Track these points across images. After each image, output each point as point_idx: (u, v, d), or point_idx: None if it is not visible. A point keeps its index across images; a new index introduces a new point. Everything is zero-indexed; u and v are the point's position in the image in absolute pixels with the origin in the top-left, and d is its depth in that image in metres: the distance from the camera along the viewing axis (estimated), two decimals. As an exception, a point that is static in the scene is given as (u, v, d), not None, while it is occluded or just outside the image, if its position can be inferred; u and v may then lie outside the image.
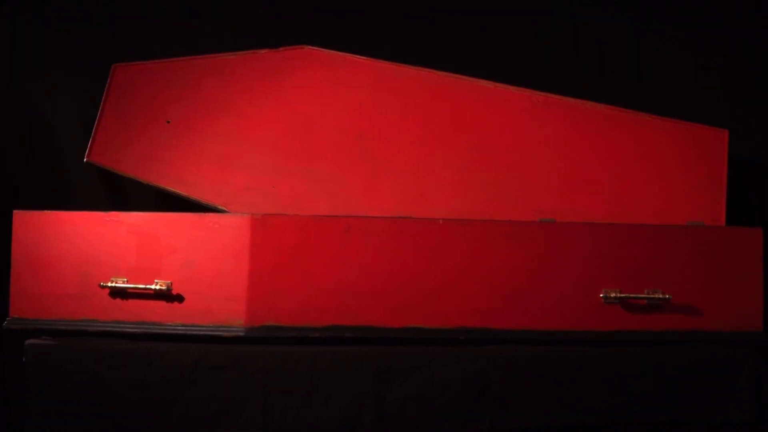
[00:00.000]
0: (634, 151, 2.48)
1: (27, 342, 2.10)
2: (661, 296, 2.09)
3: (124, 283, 2.11)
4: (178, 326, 2.10)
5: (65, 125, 2.84)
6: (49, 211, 2.17)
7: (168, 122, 2.58)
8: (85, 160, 2.57)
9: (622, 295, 2.10)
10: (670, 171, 2.45)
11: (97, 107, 2.61)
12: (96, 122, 2.59)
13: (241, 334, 2.06)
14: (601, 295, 2.10)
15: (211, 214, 2.16)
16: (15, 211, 2.17)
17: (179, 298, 2.11)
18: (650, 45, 2.79)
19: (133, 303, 2.12)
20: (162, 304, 2.11)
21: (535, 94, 2.54)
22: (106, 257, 2.14)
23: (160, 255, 2.12)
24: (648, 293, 2.10)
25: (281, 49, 2.63)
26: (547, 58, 2.82)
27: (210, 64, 2.64)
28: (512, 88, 2.56)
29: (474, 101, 2.55)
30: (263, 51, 2.64)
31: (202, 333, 2.08)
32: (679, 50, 2.78)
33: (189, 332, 2.09)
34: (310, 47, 2.63)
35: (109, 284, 2.11)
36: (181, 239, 2.12)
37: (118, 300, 2.13)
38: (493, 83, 2.56)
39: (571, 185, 2.46)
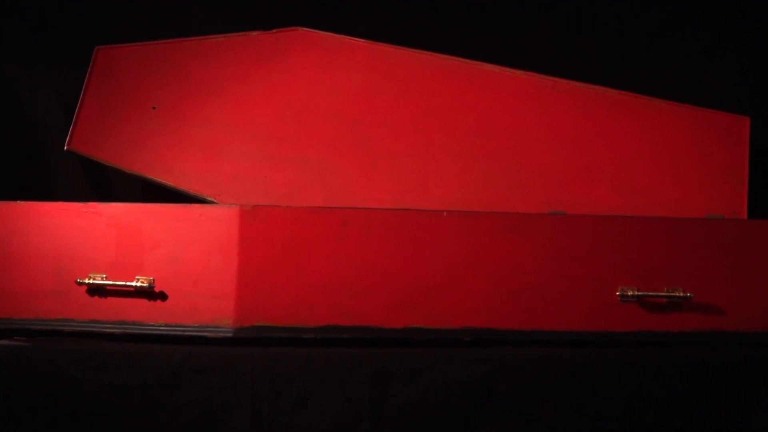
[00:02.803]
0: (649, 139, 2.43)
1: (-2, 343, 2.01)
2: (681, 294, 2.01)
3: (102, 279, 2.03)
4: (160, 326, 2.02)
5: (44, 111, 2.82)
6: (21, 202, 2.08)
7: (154, 108, 2.54)
8: (65, 148, 2.51)
9: (640, 293, 2.02)
10: (686, 161, 2.40)
11: (78, 92, 2.55)
12: (77, 108, 2.53)
13: (229, 334, 1.99)
14: (618, 293, 2.02)
15: (197, 205, 2.09)
16: (-17, 203, 2.09)
17: (162, 296, 2.03)
18: (665, 26, 2.73)
19: (112, 301, 2.04)
20: (144, 302, 2.03)
21: (541, 79, 2.49)
22: (83, 252, 2.05)
23: (142, 249, 2.04)
24: (668, 291, 2.02)
25: (274, 31, 2.58)
26: (554, 40, 2.76)
27: (198, 47, 2.59)
28: (518, 72, 2.50)
29: (477, 86, 2.50)
30: (255, 33, 2.58)
31: (186, 334, 2.00)
32: (697, 32, 2.72)
33: (173, 333, 2.01)
34: (304, 29, 2.57)
35: (87, 281, 2.02)
36: (165, 232, 2.04)
37: (96, 298, 2.04)
38: (497, 67, 2.51)
39: (581, 176, 2.42)
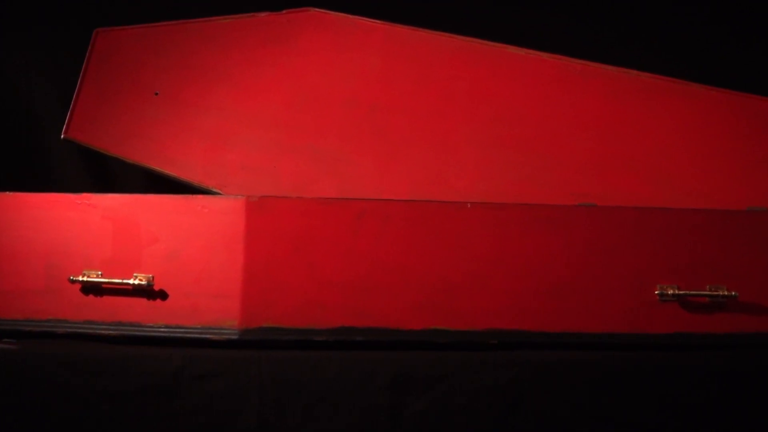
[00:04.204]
0: (686, 126, 2.35)
1: (-16, 346, 1.95)
2: (725, 293, 1.93)
3: (97, 277, 1.96)
4: (160, 327, 1.96)
5: (40, 98, 2.83)
6: (9, 193, 2.03)
7: (156, 94, 2.51)
8: (62, 137, 2.48)
9: (681, 292, 1.94)
10: (727, 149, 2.32)
11: (76, 77, 2.52)
12: (75, 94, 2.50)
13: (234, 337, 1.92)
14: (657, 292, 1.94)
15: (200, 196, 2.03)
16: (-31, 195, 2.06)
17: (162, 295, 1.96)
18: (703, 5, 2.70)
19: (108, 300, 1.98)
20: (142, 301, 1.97)
21: (570, 62, 2.42)
22: (76, 247, 1.99)
23: (140, 244, 1.98)
24: (710, 290, 1.94)
25: (283, 12, 2.54)
26: (583, 20, 2.76)
27: (203, 29, 2.55)
28: (545, 55, 2.43)
29: (501, 70, 2.44)
30: (263, 14, 2.55)
31: (188, 336, 1.94)
32: (737, 12, 2.69)
33: (173, 335, 1.95)
34: (316, 9, 2.53)
35: (81, 278, 1.96)
36: (164, 226, 1.97)
37: (90, 297, 1.98)
38: (522, 49, 2.44)
39: (612, 166, 2.35)
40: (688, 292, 1.94)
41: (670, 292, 1.94)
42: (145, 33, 2.55)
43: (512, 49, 2.43)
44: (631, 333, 1.95)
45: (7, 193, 2.02)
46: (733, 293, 1.93)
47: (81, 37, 2.56)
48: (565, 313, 1.95)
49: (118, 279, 1.96)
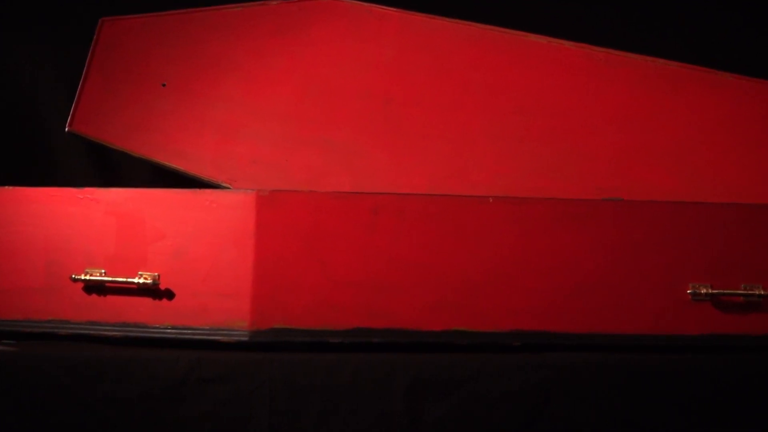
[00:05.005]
0: (715, 117, 2.32)
1: (-19, 348, 1.94)
2: (761, 293, 1.90)
3: (100, 275, 1.93)
4: (166, 328, 1.93)
5: (43, 89, 2.80)
6: (7, 188, 2.01)
7: (163, 86, 2.47)
8: (66, 129, 2.43)
9: (714, 291, 1.90)
10: (759, 140, 2.29)
11: (80, 68, 2.48)
12: (79, 86, 2.46)
13: (244, 338, 1.89)
14: (689, 291, 1.91)
15: (208, 191, 2.00)
16: (-34, 189, 2.05)
17: (168, 294, 1.94)
18: None
19: (111, 300, 1.95)
20: (147, 301, 1.94)
21: (594, 51, 2.38)
22: (78, 244, 1.97)
23: (145, 241, 1.95)
24: (745, 289, 1.91)
25: None
26: (607, 7, 2.71)
27: (212, 18, 2.52)
28: (567, 43, 2.40)
29: (521, 59, 2.41)
30: (274, 2, 2.51)
31: (195, 337, 1.91)
32: None
33: (180, 336, 1.92)
34: None
35: (83, 277, 1.93)
36: (171, 222, 1.95)
37: (93, 296, 1.96)
38: (544, 37, 2.41)
39: (638, 158, 2.32)
40: (721, 291, 1.91)
41: (703, 291, 1.91)
42: (151, 22, 2.52)
43: (533, 37, 2.41)
44: (661, 334, 1.93)
45: (6, 187, 2.01)
46: (770, 292, 1.92)
47: (86, 27, 2.53)
48: (592, 313, 1.92)
49: (122, 278, 1.93)
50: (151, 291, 1.93)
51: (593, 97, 2.36)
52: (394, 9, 2.46)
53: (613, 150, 2.32)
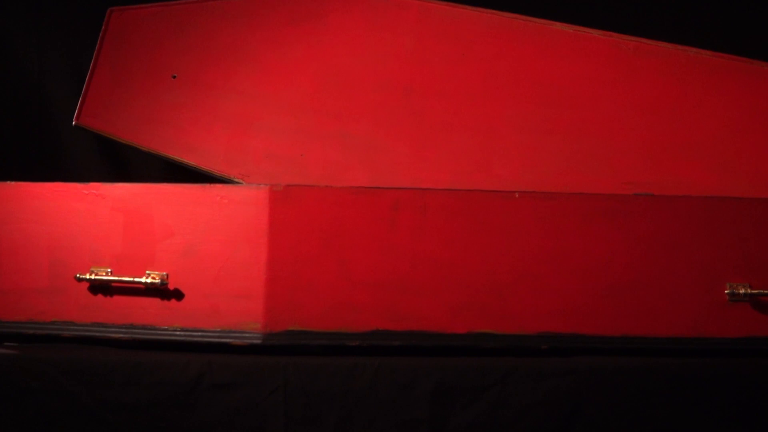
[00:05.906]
0: (750, 107, 2.29)
1: (-18, 351, 1.92)
2: None
3: (107, 275, 1.92)
4: (175, 331, 1.91)
5: (51, 82, 2.78)
6: (10, 183, 2.00)
7: (174, 77, 2.45)
8: (74, 123, 2.43)
9: (753, 291, 1.87)
10: None
11: (88, 60, 2.47)
12: (87, 78, 2.45)
13: (258, 341, 1.87)
14: (727, 292, 1.87)
15: (219, 186, 1.98)
16: (-34, 185, 2.05)
17: (177, 295, 1.92)
18: None
19: (118, 300, 1.94)
20: (155, 302, 1.93)
21: (623, 40, 2.35)
22: (84, 242, 1.96)
23: (153, 239, 1.94)
24: None
25: None
26: None
27: (224, 8, 2.50)
28: (595, 33, 2.36)
29: (548, 48, 2.38)
30: None
31: (206, 340, 1.89)
32: None
33: (190, 339, 1.90)
34: None
35: (89, 277, 1.92)
36: (180, 218, 1.93)
37: (99, 297, 1.94)
38: (571, 26, 2.38)
39: (670, 151, 2.30)
40: (761, 291, 1.89)
41: (742, 291, 1.89)
42: (161, 12, 2.50)
43: (559, 26, 2.38)
44: (698, 337, 1.90)
45: (8, 182, 2.00)
46: (812, 293, 1.89)
47: (94, 17, 2.53)
48: (625, 315, 1.90)
49: (130, 277, 1.92)
50: (160, 291, 1.91)
51: (622, 88, 2.33)
52: (415, -4, 2.46)
53: (645, 143, 2.30)
